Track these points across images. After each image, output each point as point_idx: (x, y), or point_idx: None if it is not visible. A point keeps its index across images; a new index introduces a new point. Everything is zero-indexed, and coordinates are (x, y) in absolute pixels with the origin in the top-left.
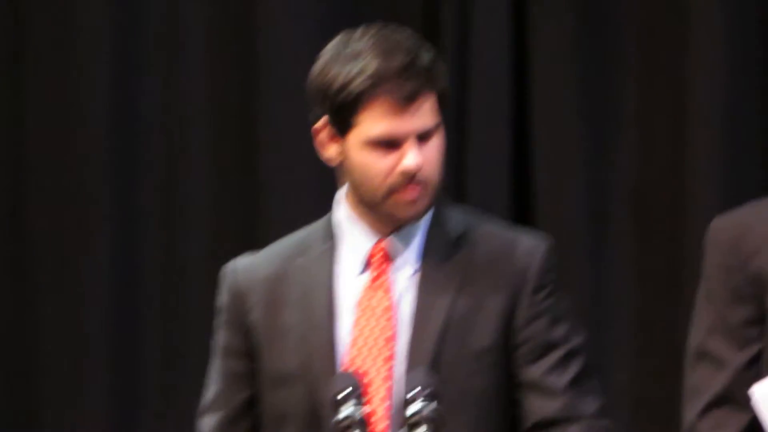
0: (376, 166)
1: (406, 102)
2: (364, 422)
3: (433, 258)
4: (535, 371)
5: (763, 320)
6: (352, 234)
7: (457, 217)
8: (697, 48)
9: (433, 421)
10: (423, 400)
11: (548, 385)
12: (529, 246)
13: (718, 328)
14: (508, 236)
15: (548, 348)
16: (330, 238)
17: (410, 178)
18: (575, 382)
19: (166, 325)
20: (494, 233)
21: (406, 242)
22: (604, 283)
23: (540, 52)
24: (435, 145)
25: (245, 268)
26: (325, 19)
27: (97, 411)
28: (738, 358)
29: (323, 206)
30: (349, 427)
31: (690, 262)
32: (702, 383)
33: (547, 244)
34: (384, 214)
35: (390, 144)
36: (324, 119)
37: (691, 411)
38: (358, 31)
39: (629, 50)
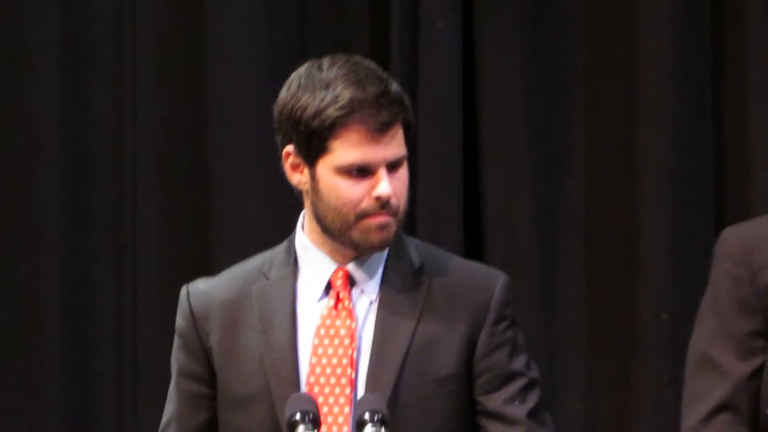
0: (348, 192)
1: (379, 131)
2: None
3: (394, 286)
4: (496, 400)
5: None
6: (312, 260)
7: (415, 249)
8: (645, 77)
9: None
10: (373, 425)
11: (509, 415)
12: (489, 279)
13: (723, 336)
14: (467, 269)
15: (508, 378)
16: (292, 263)
17: (382, 205)
18: (533, 413)
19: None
20: (453, 266)
21: (367, 270)
22: (555, 312)
23: (488, 82)
24: (403, 175)
25: (202, 292)
26: (273, 39)
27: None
28: (741, 368)
29: (274, 229)
30: None
31: (642, 289)
32: (703, 390)
33: (505, 277)
34: (350, 241)
35: (362, 171)
36: (292, 146)
37: (692, 417)
38: (326, 60)
39: (576, 80)
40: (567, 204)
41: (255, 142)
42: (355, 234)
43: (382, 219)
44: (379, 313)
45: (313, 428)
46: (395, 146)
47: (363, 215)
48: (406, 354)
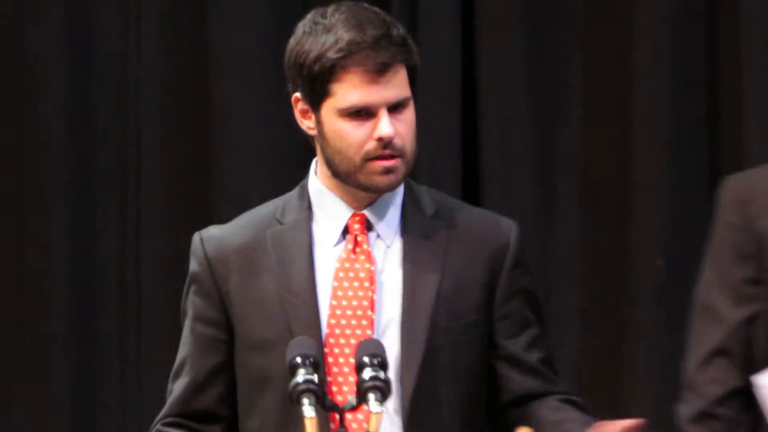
0: (351, 135)
1: (378, 72)
2: (322, 385)
3: (415, 232)
4: (513, 346)
5: (763, 281)
6: (327, 205)
7: (427, 195)
8: (641, 48)
9: (380, 389)
10: (373, 368)
11: (527, 362)
12: (503, 227)
13: (720, 283)
14: (478, 215)
15: (525, 325)
16: (306, 208)
17: (385, 145)
18: (547, 361)
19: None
20: (465, 212)
21: (383, 215)
22: (550, 258)
23: (487, 34)
24: (408, 117)
25: (216, 237)
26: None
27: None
28: (736, 314)
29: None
30: (306, 391)
31: (637, 236)
32: (701, 336)
33: (516, 225)
34: (359, 184)
35: (364, 113)
36: (299, 92)
37: (690, 361)
38: (331, 7)
39: (575, 31)
40: (563, 151)
41: (257, 88)
42: (361, 177)
43: (387, 162)
44: (403, 257)
45: (313, 372)
46: (397, 87)
47: (368, 158)
48: (436, 300)
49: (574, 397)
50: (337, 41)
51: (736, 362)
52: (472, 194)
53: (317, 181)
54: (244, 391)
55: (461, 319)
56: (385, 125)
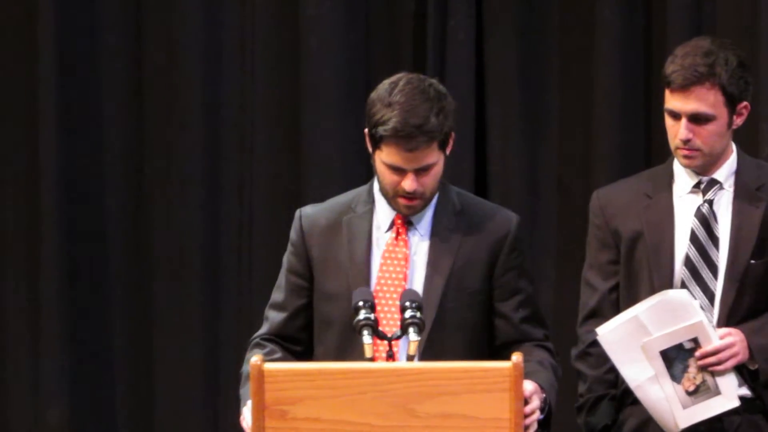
0: (388, 178)
1: (408, 152)
2: (376, 322)
3: (441, 224)
4: (504, 307)
5: (619, 262)
6: (382, 203)
7: (456, 196)
8: (600, 64)
9: (418, 324)
10: (413, 309)
11: (512, 318)
12: (506, 219)
13: (593, 264)
14: (490, 210)
15: (515, 292)
16: (371, 202)
17: (408, 194)
18: (530, 318)
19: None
20: (481, 207)
21: (421, 214)
22: (536, 238)
23: (494, 74)
24: (433, 174)
25: (311, 216)
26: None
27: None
28: (604, 285)
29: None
30: (365, 325)
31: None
32: (583, 303)
33: (517, 218)
34: (392, 206)
35: (397, 170)
36: (367, 131)
37: (578, 321)
38: (402, 81)
39: (555, 70)
40: (544, 156)
41: (341, 105)
42: (393, 203)
43: (409, 202)
44: (431, 242)
45: (371, 311)
46: (423, 159)
47: (396, 196)
48: (449, 274)
49: (545, 343)
50: (389, 120)
51: (605, 318)
52: (481, 190)
53: (378, 185)
54: (316, 326)
55: (467, 289)
56: (408, 183)
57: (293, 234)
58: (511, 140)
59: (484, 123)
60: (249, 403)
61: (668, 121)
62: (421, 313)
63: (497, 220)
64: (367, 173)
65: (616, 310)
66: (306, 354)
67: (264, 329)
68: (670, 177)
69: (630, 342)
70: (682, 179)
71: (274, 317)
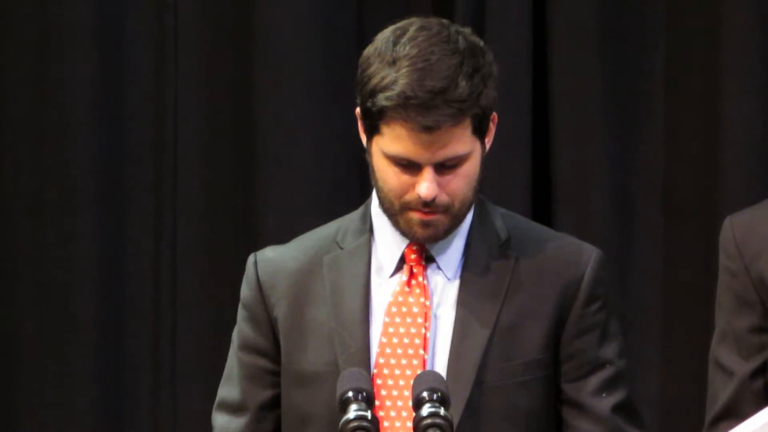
0: (392, 180)
1: (425, 131)
2: (375, 424)
3: (478, 262)
4: (581, 390)
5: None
6: (387, 228)
7: (502, 220)
8: (728, 40)
9: (441, 427)
10: (433, 404)
11: (595, 409)
12: (581, 254)
13: (727, 335)
14: (557, 242)
15: (596, 367)
16: (367, 231)
17: (425, 203)
18: (621, 408)
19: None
20: (542, 239)
21: (446, 244)
22: (631, 286)
23: (563, 30)
24: (464, 171)
25: (270, 260)
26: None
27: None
28: (744, 367)
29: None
30: (359, 428)
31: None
32: (712, 395)
33: (598, 253)
34: (399, 228)
35: (408, 165)
36: (359, 109)
37: (705, 423)
38: (412, 28)
39: (658, 44)
40: (643, 161)
41: (302, 98)
42: (401, 222)
43: (426, 216)
44: (461, 291)
45: (367, 408)
46: (448, 146)
47: (408, 208)
48: (491, 336)
49: None
50: (393, 84)
51: (746, 418)
52: (542, 213)
53: (378, 203)
54: (285, 426)
55: (520, 359)
56: (424, 187)
57: (245, 290)
58: (590, 138)
59: (546, 109)
60: None
61: None
62: (446, 410)
63: (566, 254)
64: (360, 193)
65: (763, 403)
66: None
67: None
68: None
69: None
70: None
71: (227, 425)
